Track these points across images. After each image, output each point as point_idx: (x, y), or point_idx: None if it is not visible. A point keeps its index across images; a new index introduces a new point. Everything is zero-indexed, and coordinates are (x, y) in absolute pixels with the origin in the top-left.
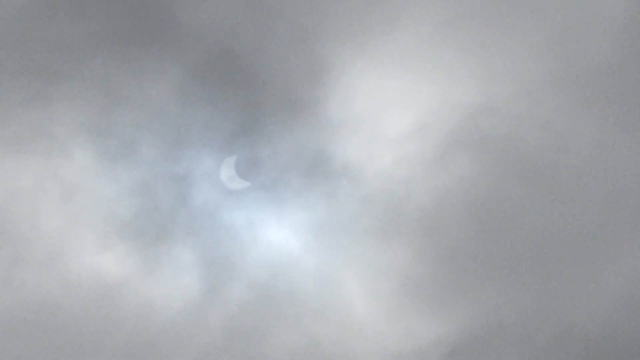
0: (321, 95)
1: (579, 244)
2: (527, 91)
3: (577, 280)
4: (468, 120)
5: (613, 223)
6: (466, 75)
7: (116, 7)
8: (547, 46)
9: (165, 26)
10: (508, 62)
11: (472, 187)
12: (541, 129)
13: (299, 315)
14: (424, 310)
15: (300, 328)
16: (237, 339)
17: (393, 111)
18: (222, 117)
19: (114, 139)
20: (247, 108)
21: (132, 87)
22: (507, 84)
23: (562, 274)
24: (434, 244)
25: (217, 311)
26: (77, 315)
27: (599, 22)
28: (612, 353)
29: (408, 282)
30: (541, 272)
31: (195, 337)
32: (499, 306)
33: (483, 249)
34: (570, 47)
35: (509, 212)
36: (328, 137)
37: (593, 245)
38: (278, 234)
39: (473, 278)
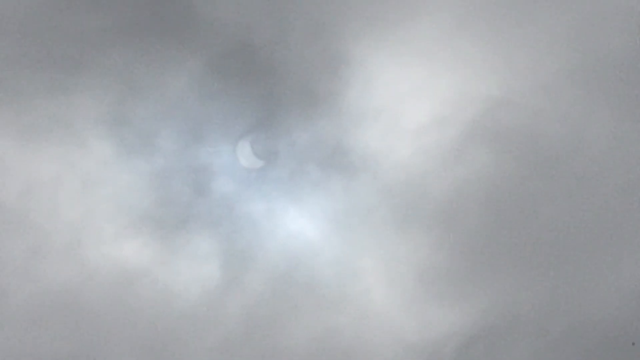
0: (339, 87)
1: (595, 236)
2: (545, 84)
3: (593, 273)
4: (486, 113)
5: (629, 215)
6: (484, 68)
7: (133, 2)
8: (566, 39)
9: (184, 19)
10: (526, 55)
11: (490, 179)
12: (559, 121)
13: (317, 305)
14: (440, 301)
15: (318, 318)
16: (255, 329)
17: (411, 103)
18: (240, 110)
19: (132, 130)
20: (265, 101)
21: (150, 79)
22: (525, 77)
23: (577, 266)
24: (451, 236)
25: (236, 300)
26: (96, 305)
27: (616, 15)
28: (627, 345)
29: (425, 274)
30: (557, 264)
31: (214, 326)
32: (515, 298)
33: (499, 240)
34: (588, 40)
35: (526, 204)
36: (346, 129)
37: (609, 237)
38: (296, 225)
39: (489, 270)
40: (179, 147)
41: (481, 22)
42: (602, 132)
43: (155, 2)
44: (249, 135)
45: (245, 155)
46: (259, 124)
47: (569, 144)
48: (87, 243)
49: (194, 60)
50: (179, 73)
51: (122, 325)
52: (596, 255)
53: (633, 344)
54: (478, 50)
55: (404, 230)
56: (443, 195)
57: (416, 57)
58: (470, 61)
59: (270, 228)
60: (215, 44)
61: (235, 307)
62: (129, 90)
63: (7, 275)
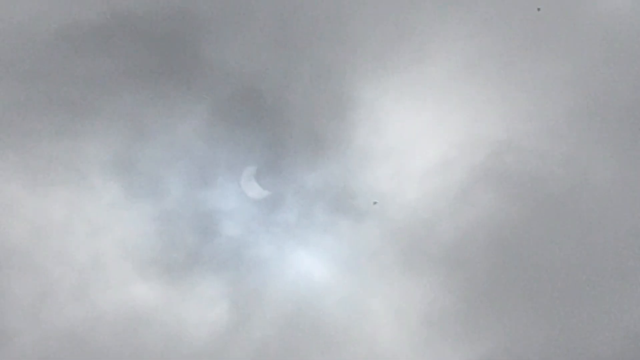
0: (346, 131)
1: (599, 278)
2: (549, 128)
3: (597, 314)
4: (492, 156)
5: (633, 257)
6: (490, 112)
7: (145, 44)
8: (570, 84)
9: (192, 64)
10: (531, 100)
11: (495, 221)
12: (563, 165)
13: (325, 346)
14: (447, 342)
15: (327, 358)
16: None
17: (418, 146)
18: (247, 154)
19: (140, 174)
20: (272, 144)
21: (158, 123)
22: (530, 121)
23: (582, 307)
24: (457, 277)
25: (244, 342)
26: (105, 348)
27: (620, 61)
28: None
29: (432, 314)
30: (562, 305)
31: None
32: (521, 338)
33: (505, 282)
34: (592, 85)
35: (531, 246)
36: (353, 172)
37: (613, 279)
38: (304, 267)
39: (495, 310)
40: (186, 191)
41: (487, 67)
42: (606, 175)
43: (164, 48)
44: (257, 176)
45: (252, 188)
46: (267, 168)
47: (574, 186)
48: (95, 286)
49: (201, 105)
50: (186, 117)
51: None
52: (600, 296)
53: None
54: (484, 94)
55: (411, 271)
56: (450, 237)
57: (423, 101)
58: (476, 105)
59: (278, 270)
60: (222, 88)
61: (243, 349)
62: (136, 134)
63: (16, 317)
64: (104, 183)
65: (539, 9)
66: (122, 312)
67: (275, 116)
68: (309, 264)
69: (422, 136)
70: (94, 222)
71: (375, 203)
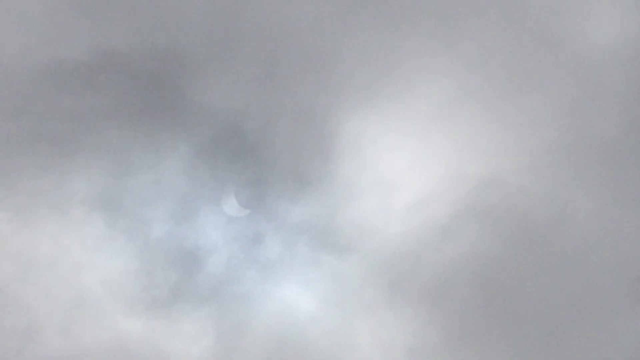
0: (329, 168)
1: (582, 314)
2: (532, 165)
3: (581, 350)
4: (475, 192)
5: (616, 294)
6: (473, 148)
7: (130, 82)
8: (552, 120)
9: (177, 102)
10: (514, 137)
11: (479, 257)
12: (546, 201)
13: None
14: None
15: None
16: None
17: (401, 182)
18: (230, 192)
19: (124, 211)
20: (256, 183)
21: (143, 160)
22: (512, 157)
23: (565, 342)
24: (441, 311)
25: None
26: None
27: (602, 97)
28: None
29: (415, 350)
30: (545, 341)
31: None
32: None
33: (488, 317)
34: (574, 121)
35: (514, 283)
36: (336, 209)
37: (596, 315)
38: (288, 302)
39: (479, 348)
40: (169, 227)
41: (470, 104)
42: (587, 211)
43: (148, 86)
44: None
45: (231, 206)
46: (250, 204)
47: (556, 222)
48: (80, 322)
49: (185, 143)
50: (171, 155)
51: None
52: (583, 332)
53: None
54: (467, 131)
55: (395, 305)
56: (433, 271)
57: (406, 137)
58: (459, 141)
59: (262, 305)
60: (206, 126)
61: None
62: (121, 171)
63: (1, 354)
64: (88, 219)
65: None
66: (108, 348)
67: (259, 154)
68: (292, 299)
69: (405, 172)
70: (77, 258)
71: None
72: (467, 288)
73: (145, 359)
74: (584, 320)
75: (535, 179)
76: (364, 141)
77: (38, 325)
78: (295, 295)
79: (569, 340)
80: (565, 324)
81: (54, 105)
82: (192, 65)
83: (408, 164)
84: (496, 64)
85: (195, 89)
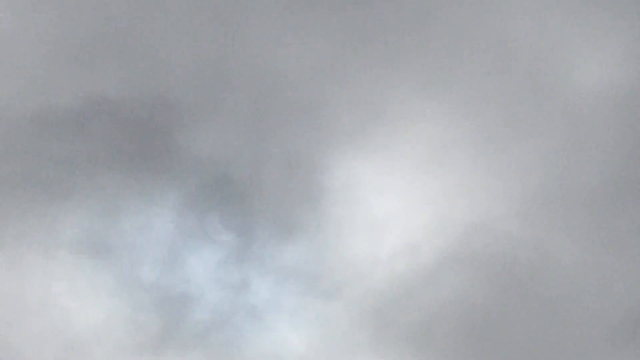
0: (316, 216)
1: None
2: (518, 212)
3: None
4: (461, 239)
5: (599, 339)
6: (460, 196)
7: (119, 130)
8: (539, 167)
9: (165, 150)
10: (500, 182)
11: (464, 304)
12: (531, 247)
13: None
14: None
15: None
16: None
17: (388, 229)
18: (217, 241)
19: (113, 258)
20: (243, 231)
21: (131, 208)
22: (499, 203)
23: None
24: (427, 357)
25: None
26: None
27: (589, 144)
28: None
29: None
30: None
31: None
32: None
33: None
34: (560, 169)
35: (500, 329)
36: (322, 256)
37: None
38: (273, 350)
39: None
40: (158, 274)
41: (457, 152)
42: (573, 258)
43: (137, 134)
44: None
45: (216, 230)
46: (236, 252)
47: (541, 269)
48: None
49: (174, 190)
50: (159, 202)
51: None
52: None
53: None
54: (454, 176)
55: (381, 352)
56: (419, 317)
57: (392, 184)
58: (446, 187)
59: (249, 352)
60: (194, 175)
61: None
62: (110, 217)
63: None
64: (77, 264)
65: None
66: None
67: (247, 201)
68: (280, 344)
69: (392, 217)
70: (66, 303)
71: None
72: (453, 333)
73: None
74: None
75: (521, 226)
76: (351, 188)
77: None
78: (283, 340)
79: None
80: None
81: (45, 150)
82: (181, 113)
83: (395, 210)
84: (484, 111)
85: (184, 137)
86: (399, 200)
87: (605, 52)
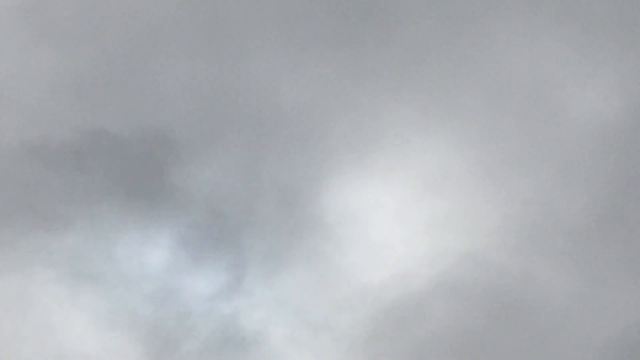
0: (306, 250)
1: None
2: (509, 243)
3: None
4: (452, 269)
5: None
6: (452, 226)
7: (115, 165)
8: (530, 201)
9: (161, 187)
10: (492, 214)
11: (454, 333)
12: (522, 279)
13: None
14: None
15: None
16: None
17: (377, 260)
18: (208, 277)
19: (107, 291)
20: (235, 266)
21: (127, 243)
22: (490, 234)
23: None
24: None
25: None
26: None
27: (578, 179)
28: None
29: None
30: None
31: None
32: None
33: None
34: (551, 202)
35: (491, 359)
36: (311, 289)
37: None
38: None
39: None
40: (150, 309)
41: (451, 182)
42: (563, 289)
43: (135, 167)
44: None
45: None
46: (228, 286)
47: (531, 300)
48: None
49: (168, 226)
50: (154, 237)
51: None
52: None
53: None
54: (446, 208)
55: None
56: (409, 348)
57: (383, 216)
58: (438, 218)
59: None
60: (189, 210)
61: None
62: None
63: None
64: (72, 298)
65: None
66: None
67: (238, 236)
68: None
69: (383, 250)
70: (62, 336)
71: None
72: None
73: None
74: None
75: (511, 257)
76: (344, 220)
77: None
78: None
79: None
80: None
81: (43, 181)
82: (178, 149)
83: (387, 241)
84: (479, 145)
85: (180, 173)
86: (391, 232)
87: (596, 89)
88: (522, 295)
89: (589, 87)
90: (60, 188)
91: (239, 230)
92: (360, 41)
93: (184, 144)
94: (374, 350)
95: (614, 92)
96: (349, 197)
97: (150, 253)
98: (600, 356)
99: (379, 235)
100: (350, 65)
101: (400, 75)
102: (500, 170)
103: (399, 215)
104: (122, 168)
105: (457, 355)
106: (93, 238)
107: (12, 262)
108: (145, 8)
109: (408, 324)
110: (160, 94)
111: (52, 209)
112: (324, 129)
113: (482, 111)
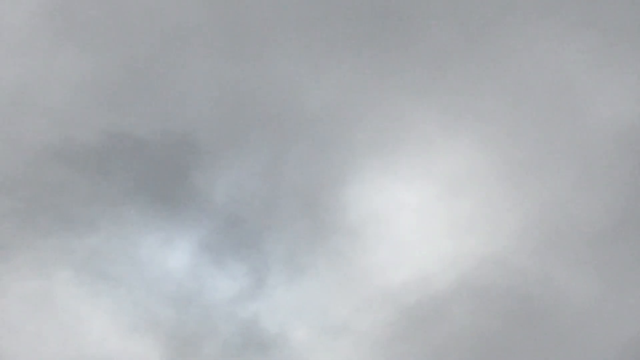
0: (325, 254)
1: None
2: (530, 246)
3: None
4: (473, 271)
5: None
6: (474, 229)
7: (139, 168)
8: (551, 204)
9: (183, 190)
10: (513, 217)
11: (474, 337)
12: (543, 283)
13: None
14: None
15: None
16: None
17: (397, 263)
18: (230, 280)
19: (128, 295)
20: (254, 270)
21: (150, 245)
22: (511, 237)
23: None
24: None
25: None
26: None
27: (599, 183)
28: None
29: None
30: None
31: None
32: None
33: None
34: (571, 206)
35: None
36: (331, 292)
37: None
38: None
39: None
40: (174, 310)
41: (472, 184)
42: (584, 294)
43: (157, 171)
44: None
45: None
46: (247, 290)
47: (553, 304)
48: None
49: (190, 230)
50: (174, 246)
51: None
52: None
53: None
54: (468, 210)
55: None
56: (428, 350)
57: (404, 218)
58: (459, 221)
59: None
60: (211, 214)
61: None
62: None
63: None
64: (94, 300)
65: None
66: None
67: (259, 240)
68: None
69: (403, 251)
70: (84, 338)
71: None
72: None
73: None
74: None
75: (532, 261)
76: (364, 224)
77: None
78: None
79: None
80: None
81: (66, 184)
82: (200, 153)
83: (407, 243)
84: (500, 148)
85: (202, 177)
86: (413, 234)
87: (617, 93)
88: (541, 298)
89: (611, 91)
90: (83, 190)
91: (261, 232)
92: (384, 43)
93: (207, 147)
94: (394, 352)
95: (635, 96)
96: (370, 200)
97: (172, 255)
98: (619, 357)
99: (400, 237)
100: (374, 68)
101: (424, 78)
102: (522, 172)
103: (420, 217)
104: (145, 171)
105: (478, 357)
106: (115, 240)
107: (35, 263)
108: (169, 11)
109: (429, 326)
110: (184, 97)
111: (75, 211)
112: (347, 131)
113: (504, 114)
